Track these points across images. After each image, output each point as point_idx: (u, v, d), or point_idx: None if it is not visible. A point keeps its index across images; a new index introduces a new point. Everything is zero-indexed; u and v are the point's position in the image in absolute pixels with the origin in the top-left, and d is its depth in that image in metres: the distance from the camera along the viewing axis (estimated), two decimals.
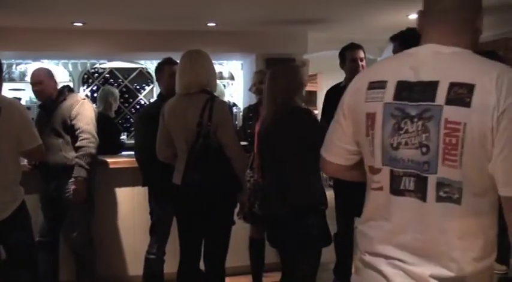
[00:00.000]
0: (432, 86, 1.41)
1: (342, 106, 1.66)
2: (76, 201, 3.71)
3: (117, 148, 5.38)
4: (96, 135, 3.82)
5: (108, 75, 8.74)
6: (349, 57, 4.09)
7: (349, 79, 3.56)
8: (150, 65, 8.43)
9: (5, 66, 6.64)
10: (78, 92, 3.91)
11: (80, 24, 6.31)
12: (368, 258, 1.59)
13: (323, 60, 8.08)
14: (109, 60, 8.45)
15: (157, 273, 3.89)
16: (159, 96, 4.03)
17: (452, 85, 1.38)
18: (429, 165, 1.41)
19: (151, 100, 8.65)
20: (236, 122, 7.00)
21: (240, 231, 3.91)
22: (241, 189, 3.39)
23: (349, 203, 3.31)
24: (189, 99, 3.22)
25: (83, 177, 3.69)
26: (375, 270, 1.56)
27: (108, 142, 5.41)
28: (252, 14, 5.94)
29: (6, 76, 7.81)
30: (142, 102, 8.88)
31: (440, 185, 1.41)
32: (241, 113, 6.63)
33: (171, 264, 3.76)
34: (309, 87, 3.47)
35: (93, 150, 3.77)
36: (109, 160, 4.28)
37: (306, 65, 7.25)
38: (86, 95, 7.32)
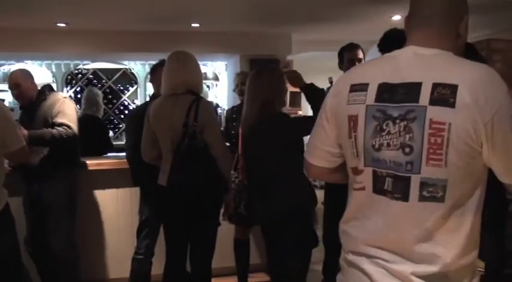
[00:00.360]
0: (415, 87, 1.43)
1: (324, 109, 1.68)
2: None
3: (107, 148, 5.37)
4: (76, 132, 3.74)
5: (91, 76, 8.67)
6: (346, 58, 4.03)
7: None
8: (134, 66, 8.39)
9: None
10: (62, 93, 3.88)
11: (63, 25, 6.26)
12: (351, 257, 1.62)
13: (307, 61, 8.11)
14: (92, 61, 8.38)
15: (144, 274, 3.87)
16: (151, 97, 4.00)
17: (435, 86, 1.39)
18: (412, 165, 1.43)
19: (136, 101, 8.64)
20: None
21: (226, 232, 3.91)
22: (227, 189, 3.39)
23: (340, 203, 3.31)
24: (175, 99, 3.22)
25: (32, 137, 3.51)
26: (358, 269, 1.58)
27: (99, 142, 5.40)
28: (236, 14, 5.94)
29: None
30: (126, 103, 8.82)
31: (424, 184, 1.42)
32: (224, 114, 6.63)
33: (157, 266, 3.75)
34: (293, 88, 3.48)
35: (65, 136, 3.64)
36: (93, 162, 4.24)
37: (289, 66, 7.26)
38: (70, 96, 7.27)
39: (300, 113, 8.40)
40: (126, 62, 8.52)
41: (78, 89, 8.54)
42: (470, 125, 1.35)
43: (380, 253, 1.51)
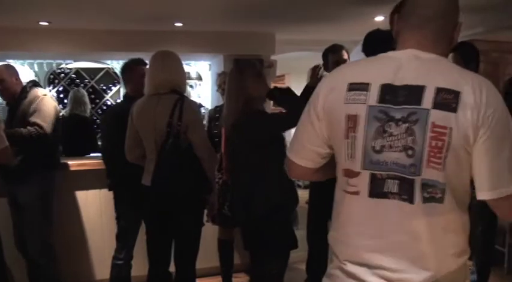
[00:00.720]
0: (417, 90, 1.43)
1: (314, 107, 1.61)
2: None
3: (94, 148, 5.34)
4: (48, 132, 3.63)
5: (74, 76, 8.62)
6: (332, 60, 4.01)
7: None
8: (117, 65, 8.33)
9: None
10: (42, 89, 3.78)
11: (46, 24, 6.19)
12: (350, 267, 1.56)
13: (291, 61, 8.13)
14: (75, 60, 8.32)
15: (124, 278, 3.83)
16: (125, 97, 3.92)
17: (439, 90, 1.41)
18: (415, 167, 1.43)
19: (118, 101, 8.58)
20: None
21: (209, 233, 3.90)
22: (211, 190, 3.38)
23: (325, 203, 3.31)
24: (159, 99, 3.20)
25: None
26: (359, 281, 1.53)
27: (86, 142, 5.36)
28: (219, 14, 5.92)
29: None
30: (109, 103, 8.79)
31: (424, 185, 1.43)
32: (207, 114, 6.61)
33: (139, 267, 3.73)
34: (279, 86, 3.48)
35: (34, 136, 3.53)
36: (75, 162, 4.20)
37: (273, 66, 7.26)
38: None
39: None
40: (108, 62, 8.49)
41: (60, 89, 8.48)
42: (468, 131, 1.38)
43: (382, 260, 1.48)
